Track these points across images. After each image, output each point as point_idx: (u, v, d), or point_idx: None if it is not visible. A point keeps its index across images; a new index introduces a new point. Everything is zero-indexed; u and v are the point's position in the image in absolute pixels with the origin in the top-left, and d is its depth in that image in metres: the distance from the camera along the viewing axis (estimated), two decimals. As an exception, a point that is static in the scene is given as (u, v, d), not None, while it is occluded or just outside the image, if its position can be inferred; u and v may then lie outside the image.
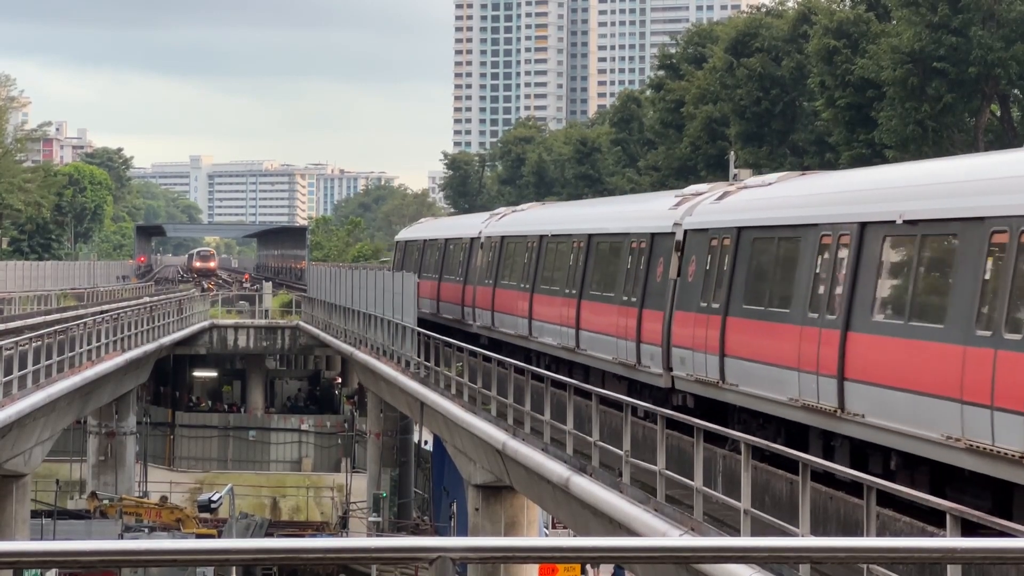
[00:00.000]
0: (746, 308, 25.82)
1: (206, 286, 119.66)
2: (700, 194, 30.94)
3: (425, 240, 58.74)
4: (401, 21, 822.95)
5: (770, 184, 27.71)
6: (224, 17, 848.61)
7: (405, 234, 66.30)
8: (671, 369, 29.19)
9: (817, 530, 18.66)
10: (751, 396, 25.09)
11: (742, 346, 25.78)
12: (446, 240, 53.70)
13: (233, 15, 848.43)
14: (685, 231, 29.62)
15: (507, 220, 49.12)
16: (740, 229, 26.75)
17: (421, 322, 51.30)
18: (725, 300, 26.70)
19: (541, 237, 42.08)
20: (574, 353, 36.91)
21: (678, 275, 29.43)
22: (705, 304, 27.64)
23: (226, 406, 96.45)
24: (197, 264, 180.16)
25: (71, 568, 5.46)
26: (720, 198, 28.98)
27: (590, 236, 37.15)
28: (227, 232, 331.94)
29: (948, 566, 15.11)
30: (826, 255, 23.00)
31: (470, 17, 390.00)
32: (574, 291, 37.18)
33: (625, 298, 32.76)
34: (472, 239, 49.62)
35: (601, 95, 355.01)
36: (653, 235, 31.58)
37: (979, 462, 17.96)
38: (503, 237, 46.31)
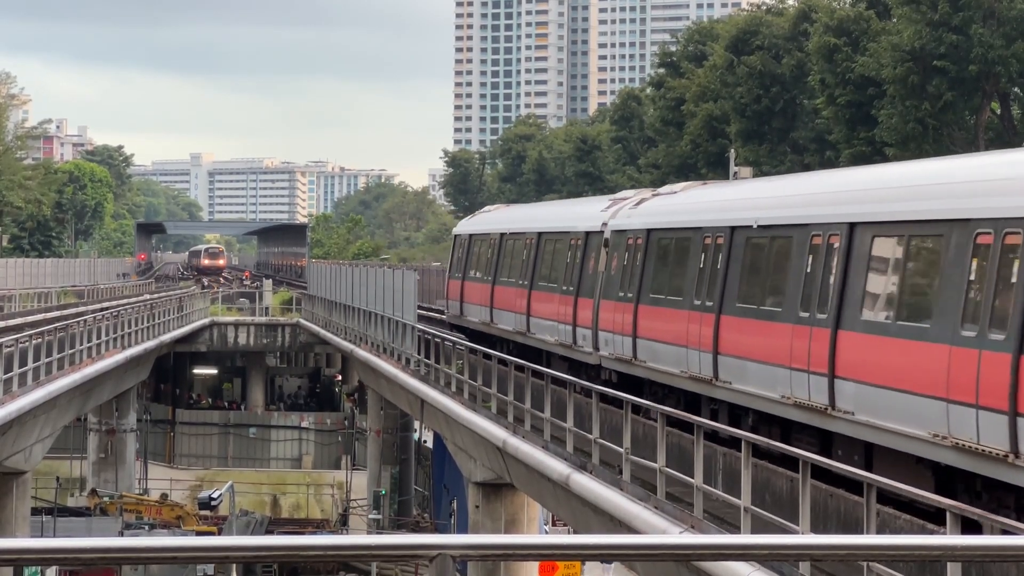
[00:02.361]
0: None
1: (206, 283, 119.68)
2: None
3: (504, 234, 45.35)
4: (402, 19, 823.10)
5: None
6: (226, 15, 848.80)
7: (470, 225, 52.36)
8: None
9: (817, 528, 18.66)
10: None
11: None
12: (540, 235, 41.01)
13: (235, 13, 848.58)
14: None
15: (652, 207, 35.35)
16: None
17: (490, 341, 44.41)
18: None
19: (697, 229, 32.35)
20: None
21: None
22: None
23: (226, 403, 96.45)
24: (206, 262, 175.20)
25: (71, 565, 5.47)
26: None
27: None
28: (227, 229, 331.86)
29: (948, 564, 15.12)
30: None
31: (470, 15, 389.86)
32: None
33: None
34: (588, 233, 36.55)
35: (601, 93, 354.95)
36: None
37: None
38: (650, 231, 31.85)
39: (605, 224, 34.78)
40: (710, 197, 30.72)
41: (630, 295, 31.81)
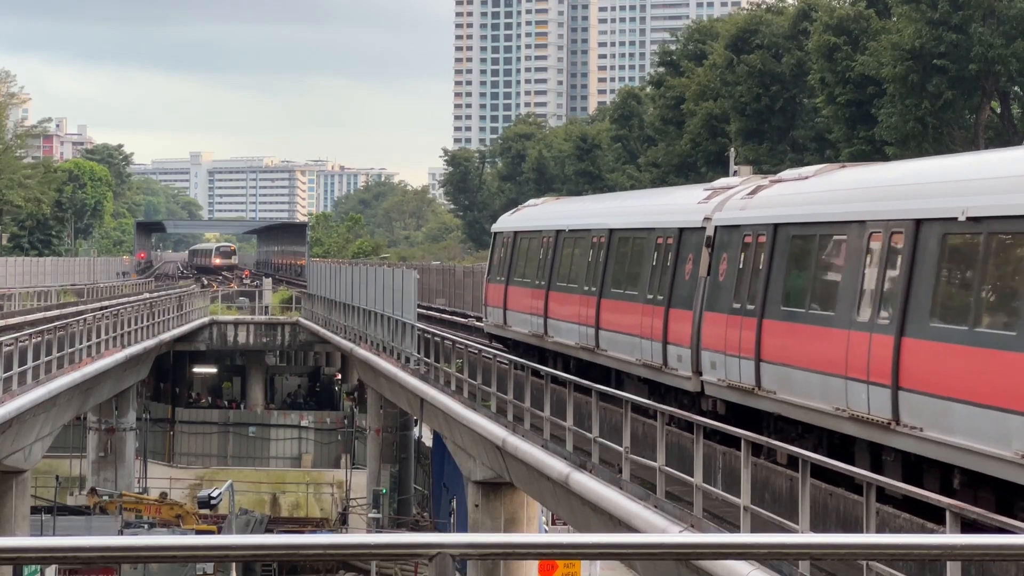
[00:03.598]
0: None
1: (206, 282, 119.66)
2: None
3: (560, 231, 38.89)
4: (402, 18, 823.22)
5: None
6: (226, 14, 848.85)
7: (514, 221, 45.28)
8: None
9: (817, 526, 18.67)
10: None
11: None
12: (611, 232, 34.77)
13: (236, 12, 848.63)
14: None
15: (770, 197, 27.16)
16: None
17: (534, 351, 39.95)
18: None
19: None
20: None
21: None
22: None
23: (226, 402, 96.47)
24: (217, 261, 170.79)
25: (71, 564, 5.47)
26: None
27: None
28: (227, 228, 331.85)
29: (948, 563, 15.12)
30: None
31: (470, 14, 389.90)
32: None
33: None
34: (683, 230, 29.93)
35: (601, 92, 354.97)
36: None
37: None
38: (778, 226, 25.47)
39: (707, 218, 28.15)
40: (866, 182, 23.85)
41: (750, 307, 25.24)
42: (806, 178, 25.64)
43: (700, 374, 27.50)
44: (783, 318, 24.10)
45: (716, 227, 27.79)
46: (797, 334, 23.50)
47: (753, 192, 27.00)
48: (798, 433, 23.42)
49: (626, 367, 32.17)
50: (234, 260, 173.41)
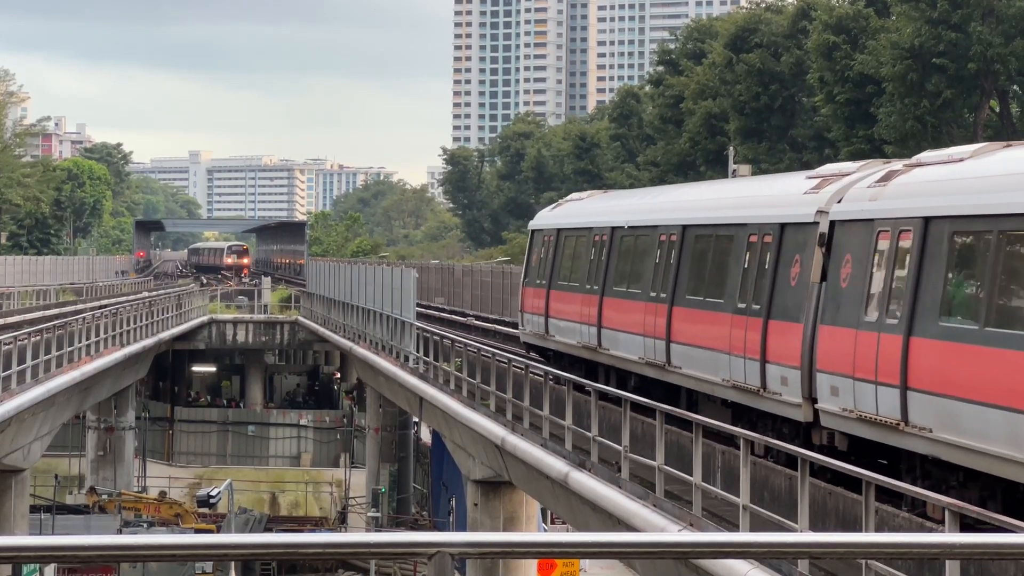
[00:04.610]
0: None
1: (205, 281, 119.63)
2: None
3: (617, 228, 34.42)
4: (401, 17, 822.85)
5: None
6: (226, 13, 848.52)
7: (557, 217, 40.80)
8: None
9: (816, 525, 18.67)
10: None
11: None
12: (685, 229, 30.17)
13: (235, 11, 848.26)
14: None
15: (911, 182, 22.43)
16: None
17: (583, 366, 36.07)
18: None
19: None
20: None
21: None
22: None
23: (225, 401, 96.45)
24: (229, 261, 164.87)
25: (70, 563, 5.47)
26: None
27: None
28: (226, 227, 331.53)
29: (947, 561, 15.12)
30: None
31: (469, 12, 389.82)
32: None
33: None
34: (786, 226, 25.38)
35: (600, 91, 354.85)
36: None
37: None
38: (929, 220, 20.83)
39: (821, 211, 23.60)
40: None
41: (891, 321, 20.64)
42: (960, 160, 20.94)
43: (814, 401, 22.64)
44: (943, 336, 19.39)
45: (834, 222, 23.04)
46: (967, 357, 18.79)
47: (884, 179, 22.36)
48: (958, 481, 19.28)
49: (707, 388, 27.43)
50: (247, 260, 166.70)
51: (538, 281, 39.36)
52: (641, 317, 31.12)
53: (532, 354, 40.27)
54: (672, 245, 30.28)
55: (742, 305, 26.02)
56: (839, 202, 23.27)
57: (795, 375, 23.45)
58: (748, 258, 26.26)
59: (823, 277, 23.18)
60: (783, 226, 25.16)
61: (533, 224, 42.12)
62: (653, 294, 30.65)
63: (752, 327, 25.37)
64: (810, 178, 25.57)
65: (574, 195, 43.14)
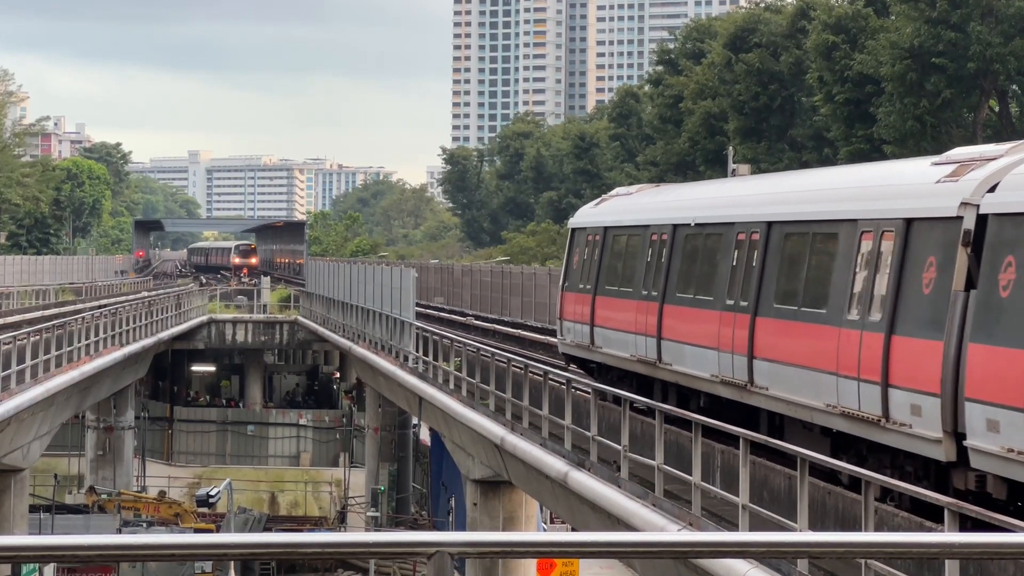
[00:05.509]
0: None
1: (204, 280, 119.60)
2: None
3: (679, 225, 30.28)
4: (400, 17, 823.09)
5: None
6: (226, 13, 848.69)
7: (602, 214, 36.34)
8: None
9: (815, 525, 18.67)
10: None
11: None
12: (770, 226, 25.72)
13: (235, 11, 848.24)
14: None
15: None
16: None
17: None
18: None
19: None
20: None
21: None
22: None
23: (224, 401, 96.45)
24: (236, 260, 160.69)
25: (69, 563, 5.47)
26: None
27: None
28: (226, 227, 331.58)
29: (946, 561, 15.12)
30: None
31: (469, 12, 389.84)
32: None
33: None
34: (913, 222, 21.08)
35: (600, 90, 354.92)
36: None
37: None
38: None
39: (966, 204, 19.39)
40: None
41: None
42: None
43: (960, 436, 18.60)
44: None
45: (987, 216, 18.84)
46: None
47: None
48: None
49: (802, 413, 23.03)
50: (254, 260, 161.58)
51: (581, 286, 35.18)
52: (715, 328, 26.76)
53: (572, 365, 36.56)
54: (753, 245, 25.95)
55: (853, 317, 21.59)
56: (991, 191, 19.00)
57: (932, 404, 19.21)
58: (860, 260, 21.88)
59: (970, 284, 19.06)
60: (909, 221, 20.80)
61: (574, 222, 37.91)
62: (729, 302, 26.39)
63: (869, 344, 21.00)
64: (938, 164, 21.25)
65: (620, 189, 39.28)
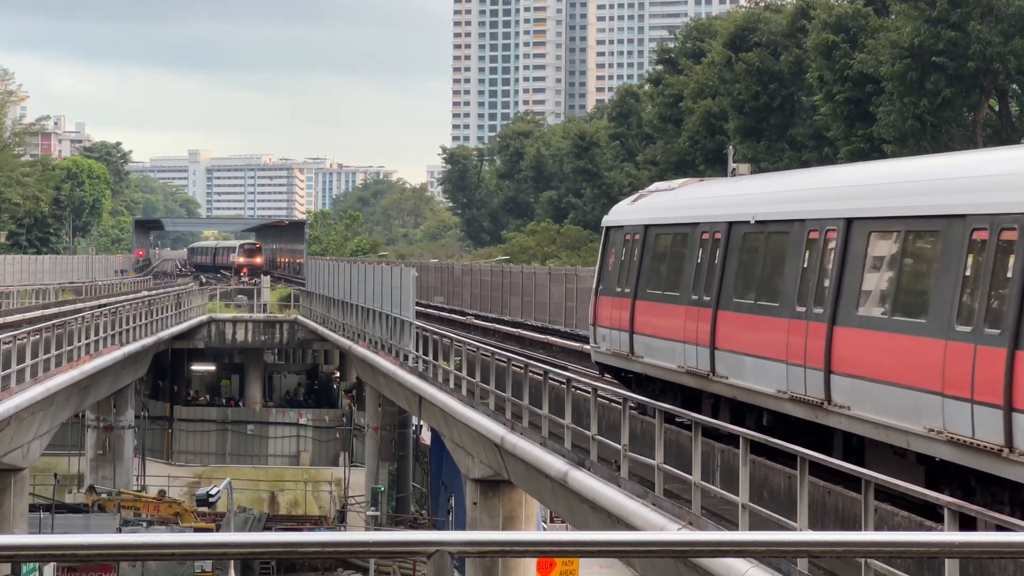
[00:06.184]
0: None
1: (204, 280, 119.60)
2: None
3: (735, 223, 27.20)
4: (400, 16, 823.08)
5: None
6: (226, 13, 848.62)
7: (641, 211, 33.30)
8: None
9: (815, 524, 18.67)
10: None
11: None
12: (849, 223, 22.44)
13: (235, 10, 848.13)
14: None
15: None
16: None
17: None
18: None
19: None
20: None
21: None
22: None
23: (224, 400, 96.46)
24: (241, 260, 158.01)
25: (69, 562, 5.47)
26: None
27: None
28: (226, 226, 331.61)
29: (946, 560, 15.12)
30: None
31: (469, 12, 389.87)
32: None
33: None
34: None
35: (600, 90, 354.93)
36: None
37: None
38: None
39: None
40: None
41: None
42: None
43: None
44: None
45: None
46: None
47: None
48: None
49: (895, 438, 20.04)
50: (259, 260, 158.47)
51: (619, 289, 32.25)
52: (782, 338, 23.78)
53: (606, 375, 34.09)
54: (829, 244, 22.90)
55: (964, 328, 18.47)
56: None
57: None
58: (973, 261, 18.74)
59: None
60: None
61: (609, 220, 34.62)
62: (800, 309, 23.26)
63: (986, 360, 17.92)
64: None
65: (659, 184, 35.63)
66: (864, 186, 23.41)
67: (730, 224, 26.99)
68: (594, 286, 34.31)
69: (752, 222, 26.10)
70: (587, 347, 52.22)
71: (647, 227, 31.37)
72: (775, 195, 27.02)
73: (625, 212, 33.98)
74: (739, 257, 26.41)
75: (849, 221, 22.14)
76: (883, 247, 21.26)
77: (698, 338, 27.37)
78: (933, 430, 18.75)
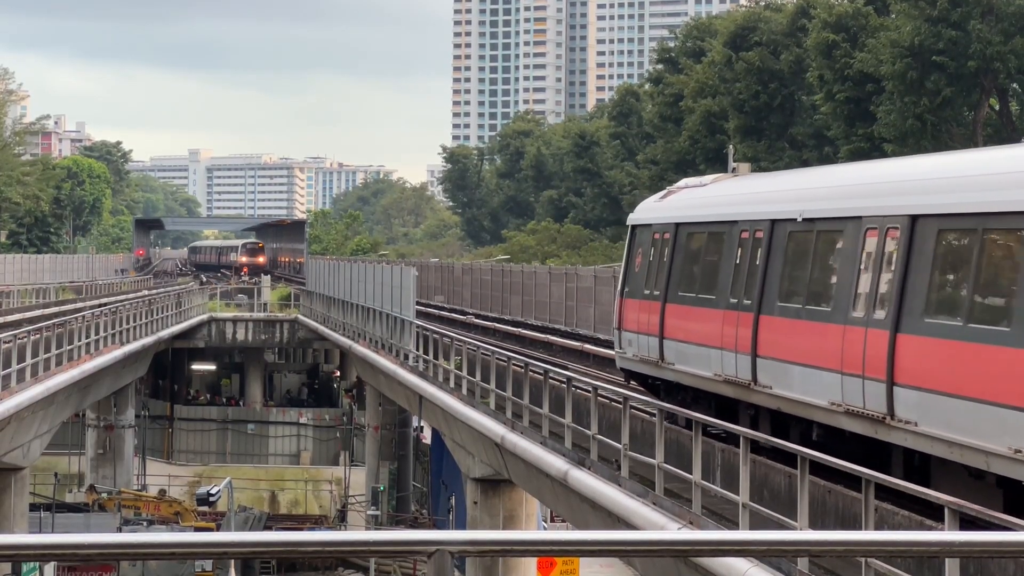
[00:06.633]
0: None
1: (204, 279, 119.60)
2: None
3: (778, 221, 25.12)
4: (400, 15, 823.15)
5: None
6: (226, 12, 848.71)
7: (670, 209, 31.30)
8: None
9: (815, 524, 18.67)
10: None
11: None
12: (913, 220, 20.37)
13: (235, 9, 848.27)
14: None
15: None
16: None
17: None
18: None
19: None
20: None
21: None
22: None
23: (225, 399, 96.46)
24: (243, 259, 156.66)
25: (70, 561, 5.47)
26: None
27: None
28: (226, 226, 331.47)
29: (946, 560, 15.12)
30: None
31: (469, 11, 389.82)
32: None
33: None
34: None
35: (600, 89, 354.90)
36: None
37: None
38: None
39: None
40: None
41: None
42: None
43: None
44: None
45: None
46: None
47: None
48: None
49: (973, 458, 18.06)
50: (261, 259, 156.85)
51: (647, 291, 30.32)
52: (836, 346, 21.78)
53: (632, 382, 32.46)
54: (890, 244, 20.85)
55: None
56: None
57: None
58: None
59: None
60: None
61: (635, 218, 32.55)
62: (856, 315, 21.34)
63: None
64: None
65: (688, 180, 33.32)
66: (930, 180, 21.24)
67: (773, 222, 25.02)
68: (619, 288, 32.50)
69: (799, 220, 24.07)
70: (587, 346, 52.64)
71: (678, 225, 29.39)
72: (824, 191, 24.91)
73: (653, 210, 31.90)
74: (784, 258, 24.40)
75: (914, 218, 20.20)
76: (955, 247, 19.29)
77: (737, 344, 25.45)
78: (1020, 451, 16.91)
